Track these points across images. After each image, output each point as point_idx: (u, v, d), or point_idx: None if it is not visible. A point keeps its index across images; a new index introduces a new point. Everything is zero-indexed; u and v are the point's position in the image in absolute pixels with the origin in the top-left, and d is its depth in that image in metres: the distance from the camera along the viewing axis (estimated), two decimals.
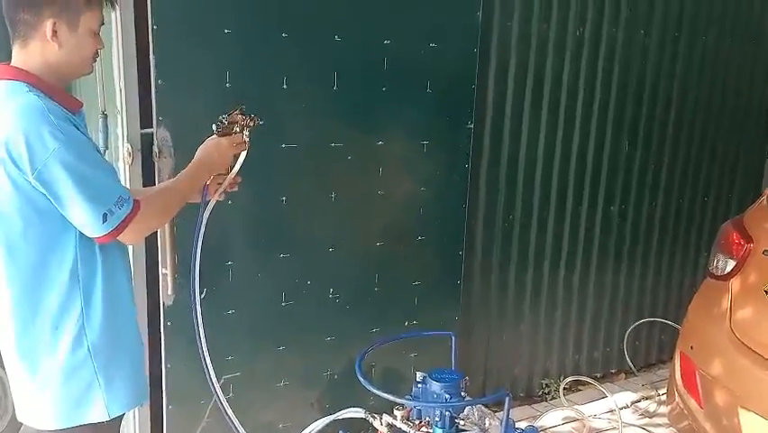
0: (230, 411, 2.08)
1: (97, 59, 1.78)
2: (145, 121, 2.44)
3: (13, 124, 1.55)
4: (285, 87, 2.58)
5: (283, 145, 2.63)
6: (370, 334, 2.92)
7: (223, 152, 1.93)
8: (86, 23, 1.67)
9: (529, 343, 3.65)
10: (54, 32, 1.62)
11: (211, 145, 1.93)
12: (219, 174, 1.99)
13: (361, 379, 1.76)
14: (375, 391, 1.72)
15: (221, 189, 2.01)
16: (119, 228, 1.64)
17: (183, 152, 2.43)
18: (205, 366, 2.03)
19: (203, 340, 2.01)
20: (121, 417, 1.81)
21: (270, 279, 2.73)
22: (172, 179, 1.99)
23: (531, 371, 3.69)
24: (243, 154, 1.98)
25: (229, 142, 1.93)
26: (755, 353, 2.37)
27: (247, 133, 1.96)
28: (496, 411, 1.85)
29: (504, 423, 1.66)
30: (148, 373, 2.46)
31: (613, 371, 3.96)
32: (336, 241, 2.85)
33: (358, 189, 2.87)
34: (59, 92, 1.69)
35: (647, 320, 3.97)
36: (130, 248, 2.40)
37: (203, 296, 2.03)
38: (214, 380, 2.04)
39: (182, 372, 2.53)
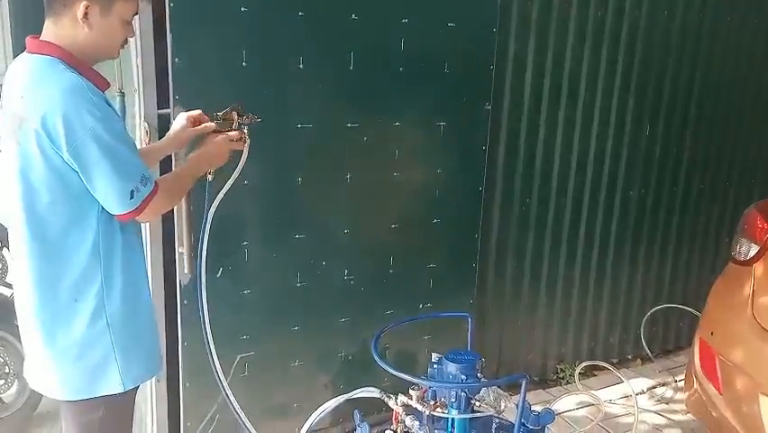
0: (231, 395, 2.09)
1: (125, 45, 1.81)
2: (162, 100, 2.43)
3: (52, 101, 1.58)
4: (301, 66, 2.56)
5: (299, 125, 2.61)
6: (385, 316, 2.91)
7: (219, 148, 1.99)
8: (119, 10, 1.70)
9: (544, 327, 3.62)
10: (86, 14, 1.65)
11: (209, 141, 1.99)
12: None
13: (377, 358, 1.75)
14: (390, 370, 1.70)
15: (227, 186, 2.08)
16: (141, 206, 1.69)
17: None
18: (210, 358, 2.05)
19: (209, 333, 2.03)
20: (135, 389, 1.83)
21: (285, 259, 2.72)
22: (178, 168, 2.06)
23: (546, 355, 3.68)
24: (245, 153, 2.05)
25: (224, 139, 1.99)
26: None
27: (245, 131, 2.03)
28: (511, 395, 1.83)
29: (521, 405, 1.64)
30: (164, 349, 2.48)
31: (629, 357, 3.93)
32: (351, 222, 2.84)
33: (373, 171, 2.85)
34: (89, 70, 1.72)
35: (665, 306, 3.92)
36: (146, 228, 2.42)
37: (218, 274, 2.02)
38: (218, 368, 2.06)
39: (198, 349, 2.51)
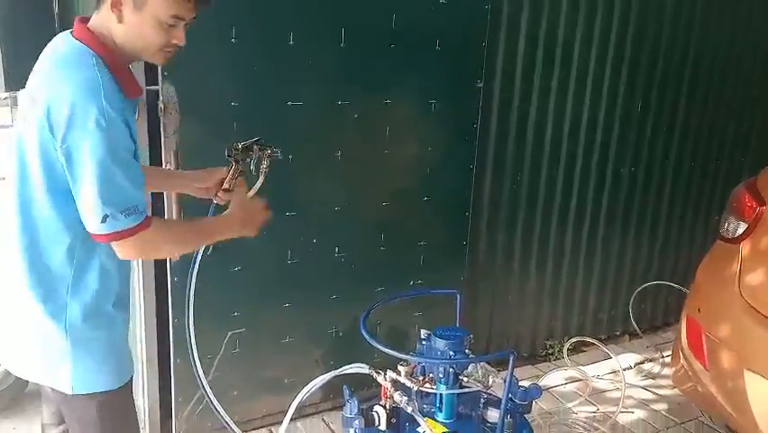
0: (206, 383, 2.09)
1: (172, 53, 1.66)
2: (150, 77, 2.41)
3: (64, 93, 1.50)
4: (291, 42, 2.54)
5: (289, 102, 2.60)
6: (375, 293, 2.92)
7: (254, 219, 1.89)
8: (154, 7, 1.54)
9: (534, 304, 3.65)
10: (116, 4, 1.55)
11: (245, 204, 1.89)
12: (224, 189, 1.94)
13: (366, 334, 1.77)
14: (379, 346, 1.72)
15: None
16: (115, 235, 1.57)
17: (188, 108, 2.42)
18: (190, 352, 2.05)
19: (191, 322, 2.01)
20: (124, 390, 1.79)
21: (276, 236, 2.70)
22: (201, 219, 1.91)
23: (535, 331, 3.71)
24: (259, 182, 1.95)
25: (264, 208, 1.91)
26: (764, 316, 2.35)
27: (265, 168, 1.94)
28: (499, 371, 1.85)
29: (508, 381, 1.66)
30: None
31: (618, 333, 3.97)
32: (342, 200, 2.84)
33: (364, 148, 2.84)
34: (124, 72, 1.61)
35: (654, 283, 3.96)
36: None
37: (209, 252, 2.02)
38: (196, 357, 2.05)
39: None
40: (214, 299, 2.56)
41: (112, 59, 1.58)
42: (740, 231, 2.63)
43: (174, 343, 2.58)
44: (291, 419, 2.92)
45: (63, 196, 1.57)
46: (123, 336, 1.80)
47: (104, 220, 1.53)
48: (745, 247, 2.58)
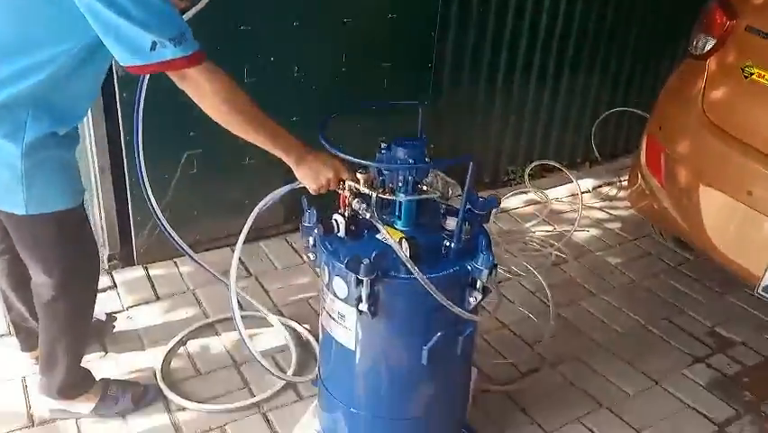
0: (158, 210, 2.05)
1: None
2: None
3: None
4: None
5: None
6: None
7: (322, 170, 1.73)
8: None
9: (498, 130, 3.63)
10: None
11: (316, 168, 1.73)
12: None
13: (323, 141, 1.71)
14: (339, 153, 1.67)
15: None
16: (166, 65, 1.47)
17: None
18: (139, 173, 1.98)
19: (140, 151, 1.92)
20: (75, 211, 1.76)
21: (229, 52, 2.55)
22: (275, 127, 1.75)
23: (498, 158, 3.72)
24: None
25: (340, 166, 1.73)
26: (724, 131, 2.36)
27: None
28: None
29: (466, 188, 1.64)
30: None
31: (578, 160, 4.02)
32: (300, 13, 2.67)
33: None
34: None
35: (618, 110, 3.94)
36: None
37: None
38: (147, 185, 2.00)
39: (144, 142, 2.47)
40: (167, 118, 2.45)
41: None
42: (708, 47, 2.57)
43: (128, 163, 2.51)
44: (254, 239, 2.99)
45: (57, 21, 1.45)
46: (74, 156, 1.77)
47: (153, 47, 1.43)
48: (711, 63, 2.54)
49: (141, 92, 1.89)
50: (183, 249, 2.13)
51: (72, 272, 1.83)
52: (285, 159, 1.73)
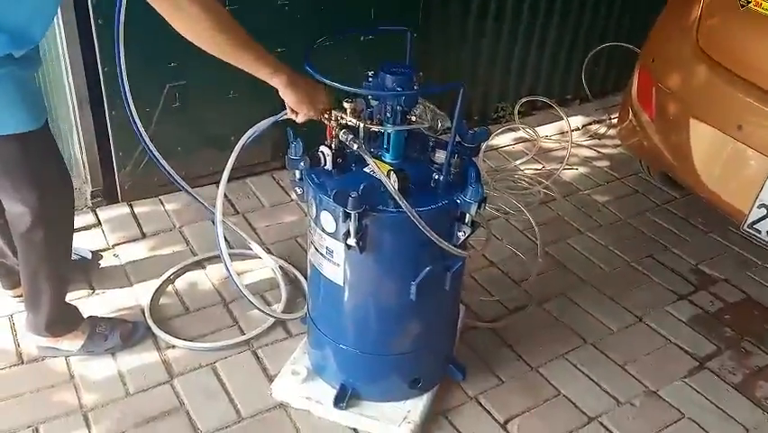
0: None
1: None
2: None
3: None
4: None
5: None
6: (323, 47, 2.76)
7: (309, 98, 1.65)
8: None
9: (488, 66, 3.55)
10: None
11: (309, 91, 1.64)
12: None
13: (309, 69, 1.65)
14: (325, 80, 1.61)
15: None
16: None
17: None
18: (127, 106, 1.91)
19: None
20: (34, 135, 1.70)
21: None
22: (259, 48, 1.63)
23: (487, 94, 3.66)
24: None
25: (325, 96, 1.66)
26: (718, 63, 2.32)
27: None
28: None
29: (456, 117, 1.60)
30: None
31: (569, 97, 3.95)
32: None
33: None
34: None
35: (610, 45, 3.85)
36: None
37: None
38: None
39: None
40: (146, 47, 2.36)
41: None
42: None
43: (107, 94, 2.43)
44: (241, 177, 2.94)
45: None
46: (33, 77, 1.72)
47: None
48: None
49: (119, 13, 1.79)
50: (173, 178, 2.09)
51: (46, 197, 1.78)
52: (274, 80, 1.64)
